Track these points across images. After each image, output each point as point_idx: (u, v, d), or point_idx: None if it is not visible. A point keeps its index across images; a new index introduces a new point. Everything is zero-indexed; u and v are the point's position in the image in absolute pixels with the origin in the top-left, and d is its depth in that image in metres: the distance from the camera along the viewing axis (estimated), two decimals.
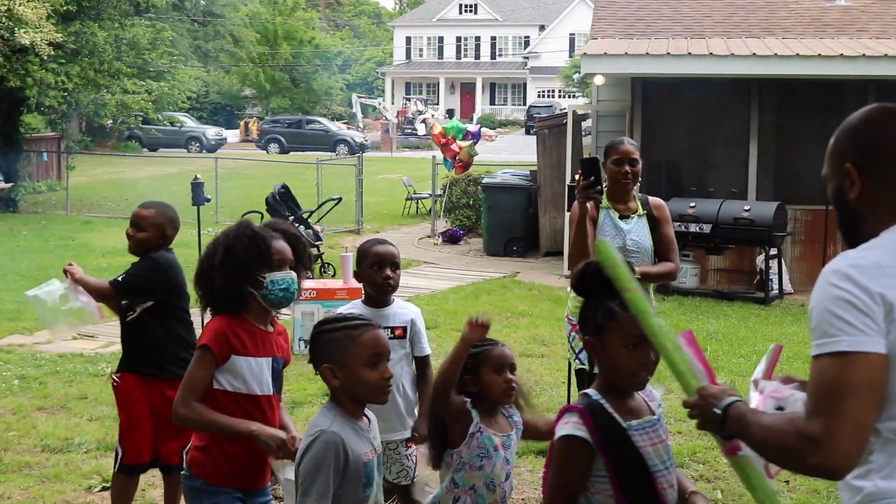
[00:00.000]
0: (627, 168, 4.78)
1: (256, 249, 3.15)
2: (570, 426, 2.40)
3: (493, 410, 3.18)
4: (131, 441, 4.31)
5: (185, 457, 3.32)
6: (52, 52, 17.59)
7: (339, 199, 14.39)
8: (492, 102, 60.90)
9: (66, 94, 19.65)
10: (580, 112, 14.31)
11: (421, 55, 63.03)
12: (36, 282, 11.48)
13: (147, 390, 4.28)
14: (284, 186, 12.83)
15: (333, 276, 11.39)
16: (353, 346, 2.62)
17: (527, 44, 60.81)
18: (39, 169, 22.64)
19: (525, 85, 59.36)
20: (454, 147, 17.04)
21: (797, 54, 11.48)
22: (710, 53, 11.66)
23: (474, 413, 3.11)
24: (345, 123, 46.59)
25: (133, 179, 26.01)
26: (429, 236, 16.62)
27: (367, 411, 2.76)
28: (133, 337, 4.34)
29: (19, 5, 16.73)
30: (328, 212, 14.11)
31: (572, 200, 4.75)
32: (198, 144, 39.38)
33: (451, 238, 16.02)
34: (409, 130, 46.58)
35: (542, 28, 60.42)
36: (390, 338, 4.07)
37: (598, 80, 12.47)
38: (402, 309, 4.14)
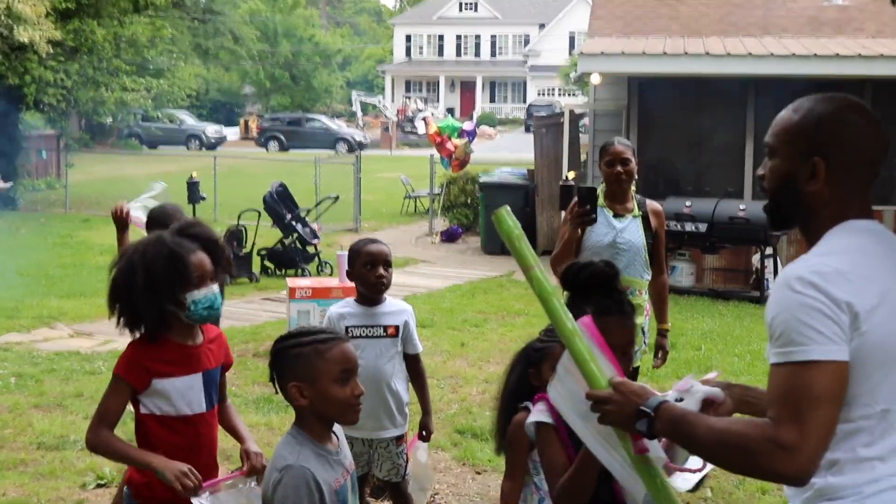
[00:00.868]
0: (620, 168, 4.79)
1: (175, 269, 2.97)
2: (540, 413, 2.58)
3: None
4: None
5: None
6: (51, 50, 17.59)
7: (337, 198, 14.43)
8: (492, 101, 60.89)
9: (65, 91, 19.62)
10: (577, 111, 14.34)
11: (421, 53, 63.03)
12: (35, 281, 11.61)
13: None
14: (282, 185, 12.87)
15: (331, 274, 11.45)
16: (321, 361, 2.43)
17: (527, 42, 60.83)
18: (38, 167, 22.60)
19: (525, 83, 59.35)
20: (449, 146, 17.05)
21: (793, 54, 11.51)
22: (707, 53, 11.69)
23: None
24: (345, 121, 46.59)
25: (132, 177, 25.99)
26: (427, 235, 16.66)
27: (336, 428, 2.57)
28: None
29: (18, 3, 16.70)
30: (325, 210, 14.16)
31: (565, 200, 4.78)
32: (197, 142, 39.40)
33: (450, 236, 16.05)
34: (409, 129, 46.56)
35: (542, 26, 60.43)
36: (383, 336, 4.12)
37: (595, 79, 12.50)
38: (394, 307, 4.17)
